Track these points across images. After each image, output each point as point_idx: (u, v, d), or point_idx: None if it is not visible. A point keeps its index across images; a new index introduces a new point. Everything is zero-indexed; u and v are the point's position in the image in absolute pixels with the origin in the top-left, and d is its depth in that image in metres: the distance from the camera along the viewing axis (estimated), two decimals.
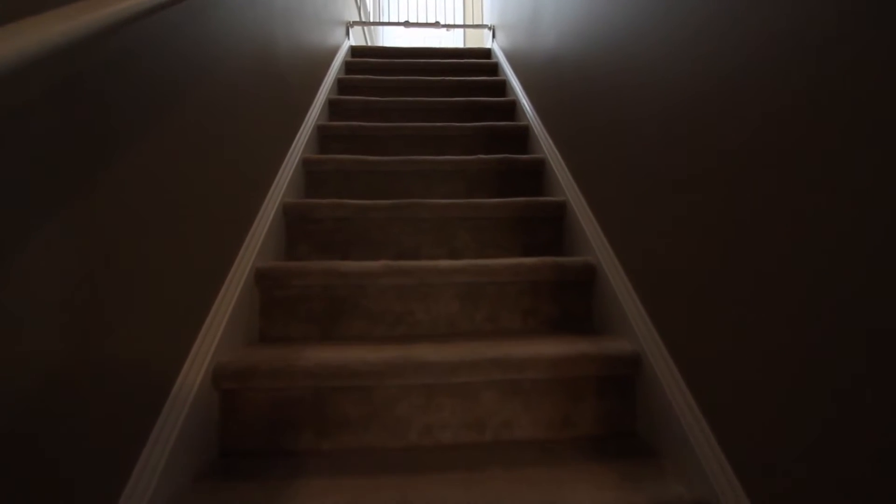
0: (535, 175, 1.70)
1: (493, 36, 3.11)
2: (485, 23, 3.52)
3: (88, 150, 0.60)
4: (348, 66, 2.62)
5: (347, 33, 2.97)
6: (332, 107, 2.10)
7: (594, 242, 1.23)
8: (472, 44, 5.08)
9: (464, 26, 3.86)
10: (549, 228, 1.44)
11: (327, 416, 0.91)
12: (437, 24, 3.53)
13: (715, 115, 0.76)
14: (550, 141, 1.68)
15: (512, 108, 2.20)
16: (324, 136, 1.87)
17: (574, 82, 1.43)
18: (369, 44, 3.98)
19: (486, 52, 3.08)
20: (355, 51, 2.93)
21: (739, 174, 0.70)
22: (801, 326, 0.59)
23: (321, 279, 1.13)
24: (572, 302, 1.21)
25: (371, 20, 4.30)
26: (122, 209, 0.66)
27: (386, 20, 5.02)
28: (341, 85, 2.38)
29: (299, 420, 0.90)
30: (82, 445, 0.58)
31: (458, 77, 2.52)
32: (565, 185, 1.46)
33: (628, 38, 1.06)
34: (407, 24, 3.56)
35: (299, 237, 1.38)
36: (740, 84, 0.69)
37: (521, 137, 1.95)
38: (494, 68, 2.78)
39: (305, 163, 1.60)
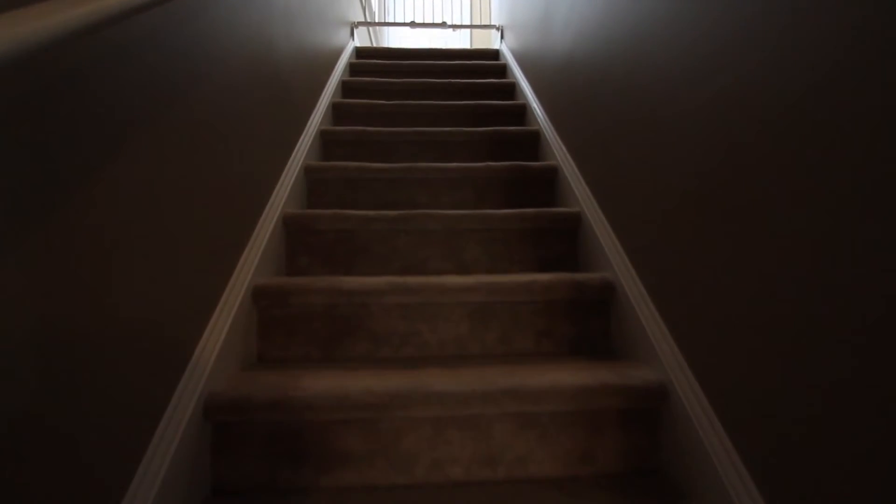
0: (548, 183, 1.62)
1: (502, 37, 3.04)
2: (492, 23, 3.45)
3: (81, 149, 0.54)
4: (353, 68, 2.55)
5: (352, 34, 2.90)
6: (336, 110, 2.04)
7: (612, 257, 1.15)
8: (480, 44, 5.01)
9: (471, 27, 3.80)
10: (563, 241, 1.37)
11: (328, 451, 0.84)
12: (443, 25, 3.46)
13: (734, 117, 0.69)
14: (563, 147, 1.61)
15: (522, 112, 2.13)
16: (327, 142, 1.80)
17: (589, 85, 1.36)
18: (374, 45, 3.92)
19: (494, 54, 3.01)
20: (360, 52, 2.86)
21: (769, 184, 0.63)
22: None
23: (323, 297, 1.06)
24: (589, 322, 1.13)
25: (376, 20, 4.24)
26: (109, 216, 0.59)
27: (391, 20, 4.95)
28: (345, 87, 2.31)
29: (298, 454, 0.83)
30: (53, 491, 0.52)
31: (465, 79, 2.45)
32: (580, 194, 1.39)
33: (645, 37, 0.99)
34: (413, 24, 3.50)
35: (300, 249, 1.31)
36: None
37: (532, 143, 1.87)
38: (503, 70, 2.71)
39: (307, 170, 1.53)
